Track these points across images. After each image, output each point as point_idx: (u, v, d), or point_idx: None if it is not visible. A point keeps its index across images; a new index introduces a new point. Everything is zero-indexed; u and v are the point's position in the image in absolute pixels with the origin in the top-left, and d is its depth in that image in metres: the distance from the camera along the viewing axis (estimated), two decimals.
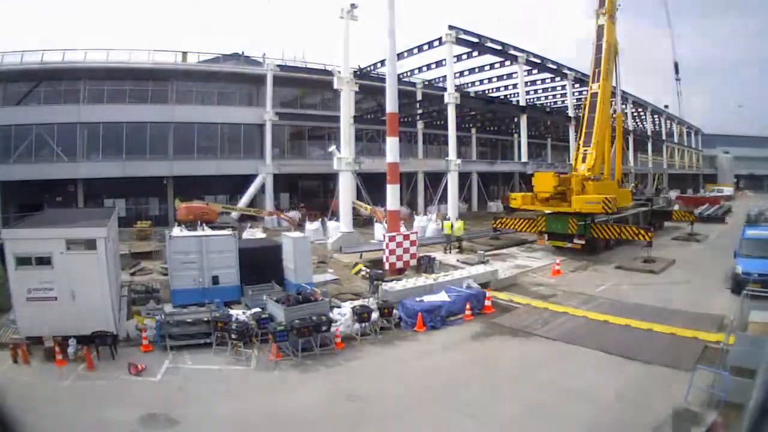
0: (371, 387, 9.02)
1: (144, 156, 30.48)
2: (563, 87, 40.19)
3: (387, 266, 17.07)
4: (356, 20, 23.31)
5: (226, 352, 10.35)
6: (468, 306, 13.05)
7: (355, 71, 27.59)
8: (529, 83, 38.89)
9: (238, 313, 11.70)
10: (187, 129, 32.11)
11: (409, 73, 34.69)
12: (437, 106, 32.96)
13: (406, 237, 17.84)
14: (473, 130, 46.56)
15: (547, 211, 21.00)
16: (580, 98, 46.34)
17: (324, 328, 10.59)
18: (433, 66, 32.85)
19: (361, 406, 8.30)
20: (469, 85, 39.55)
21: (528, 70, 35.26)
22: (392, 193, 20.12)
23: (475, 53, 30.96)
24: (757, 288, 10.41)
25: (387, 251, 17.39)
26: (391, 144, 20.00)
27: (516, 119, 39.15)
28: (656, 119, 58.39)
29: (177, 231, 15.00)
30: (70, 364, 9.62)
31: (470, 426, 7.64)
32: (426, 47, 28.28)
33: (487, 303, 13.60)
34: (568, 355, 10.33)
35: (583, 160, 21.52)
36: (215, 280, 13.54)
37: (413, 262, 17.78)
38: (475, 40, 28.79)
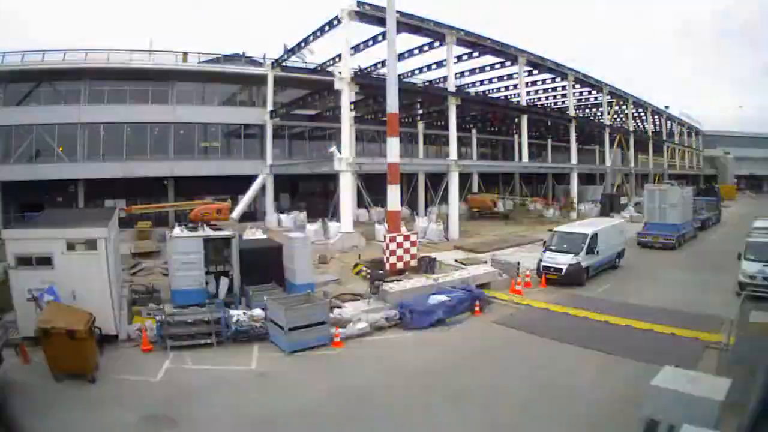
0: (370, 386, 9.03)
1: (145, 156, 30.49)
2: (564, 87, 40.14)
3: (387, 267, 17.06)
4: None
5: (226, 352, 10.36)
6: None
7: (355, 72, 27.59)
8: (529, 84, 38.86)
9: (238, 313, 11.72)
10: (187, 129, 32.13)
11: (409, 74, 34.69)
12: (438, 106, 32.97)
13: (406, 237, 17.83)
14: (474, 131, 46.55)
15: None
16: (581, 98, 46.47)
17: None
18: (434, 66, 32.81)
19: (360, 404, 8.31)
20: (470, 85, 39.52)
21: (528, 71, 35.22)
22: (393, 193, 20.11)
23: (476, 54, 30.94)
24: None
25: (387, 251, 17.38)
26: (392, 144, 20.00)
27: (516, 120, 39.13)
28: (657, 120, 58.29)
29: (177, 231, 15.00)
30: None
31: (469, 425, 7.65)
32: (427, 48, 28.27)
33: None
34: (567, 355, 10.34)
35: None
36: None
37: (414, 263, 17.76)
38: (476, 40, 28.79)
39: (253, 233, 23.22)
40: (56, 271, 10.15)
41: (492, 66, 34.04)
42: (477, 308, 13.24)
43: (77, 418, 7.74)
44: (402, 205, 25.05)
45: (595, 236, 17.22)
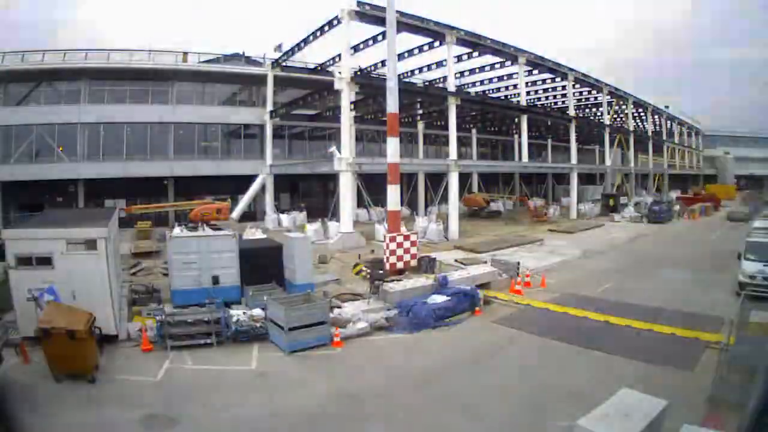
0: (370, 385, 9.02)
1: (144, 156, 30.52)
2: (564, 87, 40.14)
3: (387, 266, 17.06)
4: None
5: (226, 352, 10.36)
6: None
7: (355, 72, 27.58)
8: (529, 84, 38.85)
9: (238, 313, 11.72)
10: (187, 129, 32.16)
11: (409, 74, 34.70)
12: (438, 106, 32.96)
13: (406, 237, 17.84)
14: (473, 131, 46.57)
15: None
16: (581, 98, 46.49)
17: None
18: (434, 66, 32.82)
19: (359, 404, 8.31)
20: (470, 85, 39.53)
21: (528, 71, 35.21)
22: (393, 193, 20.11)
23: (476, 53, 30.94)
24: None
25: (387, 251, 17.39)
26: (392, 144, 20.00)
27: (516, 120, 39.14)
28: (657, 119, 58.28)
29: (177, 231, 14.99)
30: None
31: (468, 425, 7.65)
32: (426, 48, 28.26)
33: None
34: (567, 356, 10.33)
35: None
36: (215, 280, 13.54)
37: (414, 263, 17.77)
38: (476, 40, 28.78)
39: (253, 233, 23.23)
40: (56, 271, 10.15)
41: (492, 66, 34.02)
42: (477, 308, 13.23)
43: (77, 418, 7.74)
44: (402, 205, 25.07)
45: None
